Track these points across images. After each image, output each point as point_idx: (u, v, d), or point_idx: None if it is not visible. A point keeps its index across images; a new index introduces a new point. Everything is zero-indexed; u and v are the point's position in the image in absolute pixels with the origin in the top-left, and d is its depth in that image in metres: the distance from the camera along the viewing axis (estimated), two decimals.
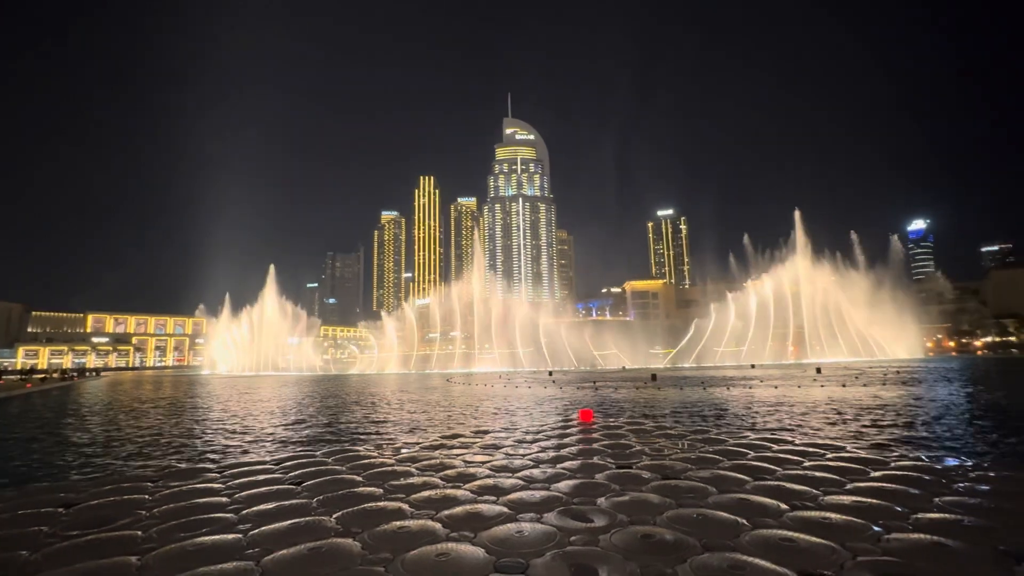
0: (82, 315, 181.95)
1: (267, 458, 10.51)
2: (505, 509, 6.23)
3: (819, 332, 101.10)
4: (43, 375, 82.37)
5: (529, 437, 12.34)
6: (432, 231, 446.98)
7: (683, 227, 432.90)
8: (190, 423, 18.64)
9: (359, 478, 8.10)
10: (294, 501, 6.82)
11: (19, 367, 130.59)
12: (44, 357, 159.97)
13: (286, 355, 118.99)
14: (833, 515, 5.64)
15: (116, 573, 4.64)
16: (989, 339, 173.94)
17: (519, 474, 8.16)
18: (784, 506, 6.02)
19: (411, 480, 7.88)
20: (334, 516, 6.07)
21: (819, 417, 15.89)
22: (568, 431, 13.15)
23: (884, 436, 12.13)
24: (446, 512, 6.14)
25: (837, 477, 7.37)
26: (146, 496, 7.30)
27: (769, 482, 7.19)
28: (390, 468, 8.79)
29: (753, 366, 73.03)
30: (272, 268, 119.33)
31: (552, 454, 9.86)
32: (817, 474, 7.58)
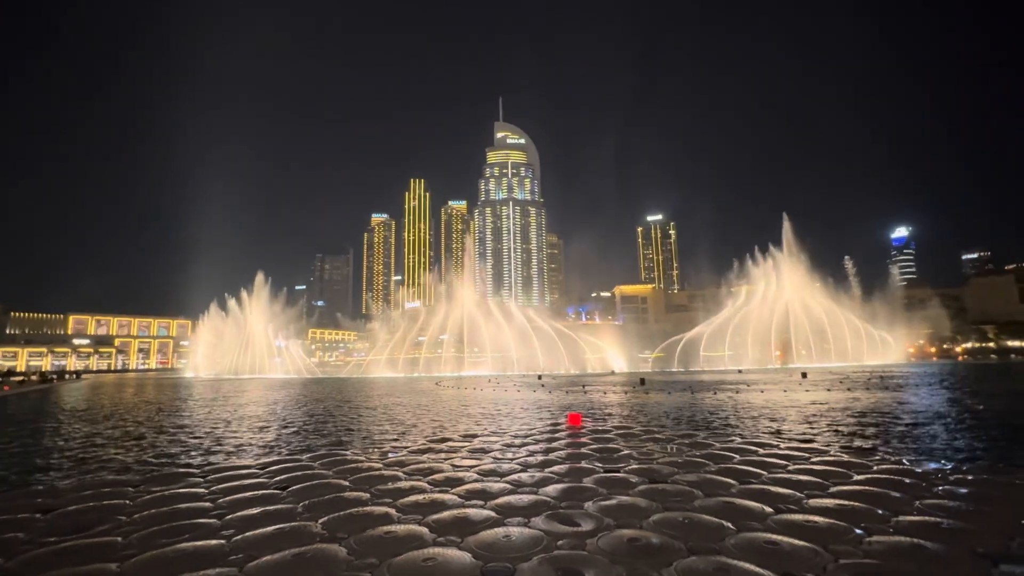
0: (62, 316, 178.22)
1: (252, 463, 10.37)
2: (493, 513, 6.22)
3: (805, 338, 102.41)
4: (21, 377, 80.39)
5: (517, 441, 12.33)
6: (422, 234, 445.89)
7: (672, 232, 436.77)
8: (173, 427, 18.33)
9: (346, 483, 8.03)
10: (279, 506, 6.74)
11: None
12: (23, 359, 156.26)
13: (274, 358, 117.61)
14: (816, 518, 5.71)
15: None
16: (969, 345, 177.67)
17: (507, 478, 8.14)
18: (769, 509, 6.09)
19: (398, 484, 7.83)
20: (320, 521, 6.01)
21: (804, 421, 16.09)
22: (557, 435, 13.16)
23: (867, 440, 12.32)
24: (433, 517, 6.11)
25: (821, 480, 7.47)
26: (127, 501, 7.17)
27: (754, 486, 7.26)
28: (377, 472, 8.73)
29: (740, 371, 73.73)
30: (260, 275, 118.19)
31: (540, 458, 9.86)
32: (801, 477, 7.67)
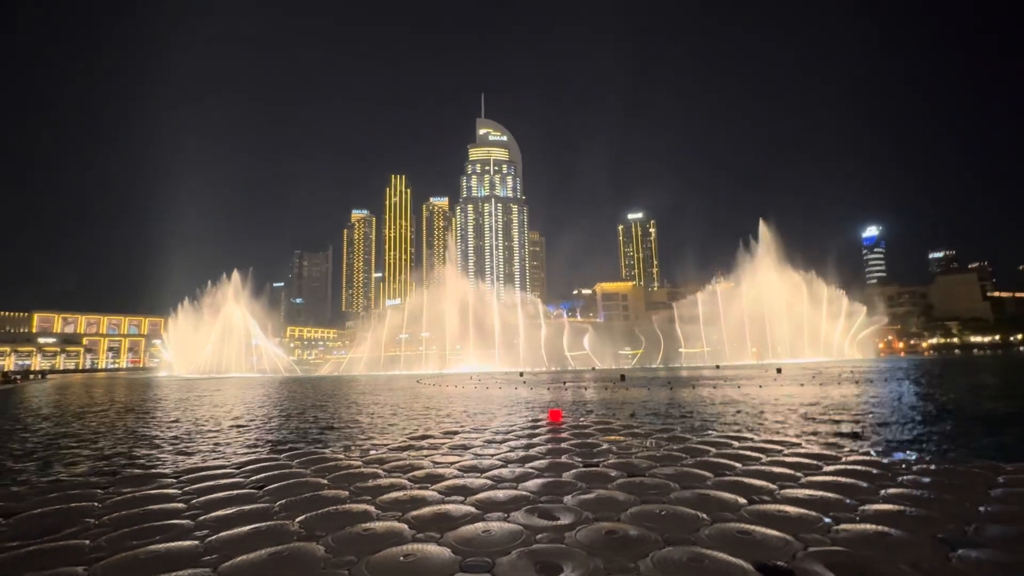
0: (27, 314, 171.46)
1: (227, 462, 10.17)
2: (473, 509, 6.24)
3: (780, 334, 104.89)
4: None
5: (498, 437, 12.37)
6: (403, 231, 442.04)
7: (652, 230, 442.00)
8: (144, 427, 17.85)
9: (324, 481, 7.94)
10: (255, 506, 6.63)
11: None
12: None
13: (251, 357, 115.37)
14: (788, 508, 5.88)
15: None
16: (935, 340, 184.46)
17: (487, 474, 8.17)
18: (743, 500, 6.24)
19: (378, 482, 7.78)
20: (297, 520, 5.94)
21: (778, 415, 16.51)
22: (537, 431, 13.24)
23: (837, 432, 12.70)
24: (413, 513, 6.09)
25: (793, 472, 7.68)
26: (95, 503, 6.96)
27: (729, 478, 7.43)
28: (357, 470, 8.66)
29: (718, 367, 75.20)
30: (236, 273, 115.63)
31: (521, 454, 9.92)
32: (775, 469, 7.89)
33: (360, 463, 9.35)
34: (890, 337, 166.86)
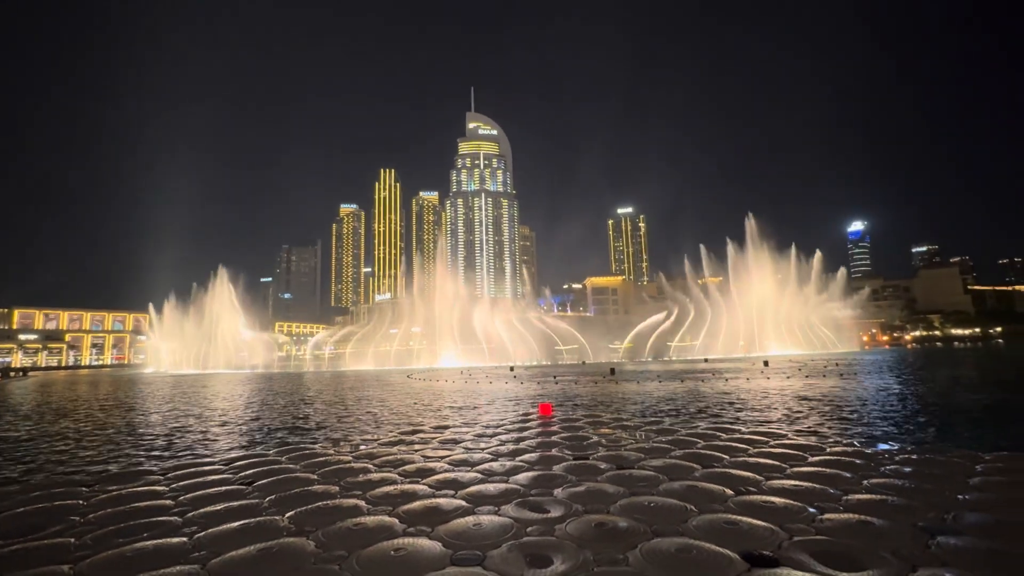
0: (6, 310, 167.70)
1: (215, 458, 10.09)
2: (463, 503, 6.26)
3: (767, 328, 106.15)
4: None
5: (489, 431, 12.40)
6: (393, 225, 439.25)
7: (642, 225, 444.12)
8: (129, 424, 17.62)
9: (314, 476, 7.92)
10: (244, 502, 6.60)
11: None
12: None
13: (239, 352, 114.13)
14: (774, 499, 5.99)
15: None
16: (918, 333, 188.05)
17: (478, 468, 8.20)
18: (730, 491, 6.34)
19: (369, 476, 7.77)
20: (287, 515, 5.92)
21: (765, 407, 16.74)
22: (528, 424, 13.29)
23: (822, 424, 12.92)
24: (404, 507, 6.10)
25: (779, 463, 7.81)
26: (80, 502, 6.88)
27: (717, 469, 7.54)
28: (347, 465, 8.64)
29: (706, 360, 75.95)
30: (221, 268, 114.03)
31: (511, 447, 9.96)
32: (761, 460, 8.01)
33: (350, 458, 9.33)
34: (874, 330, 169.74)
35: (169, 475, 8.43)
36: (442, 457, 9.19)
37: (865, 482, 6.68)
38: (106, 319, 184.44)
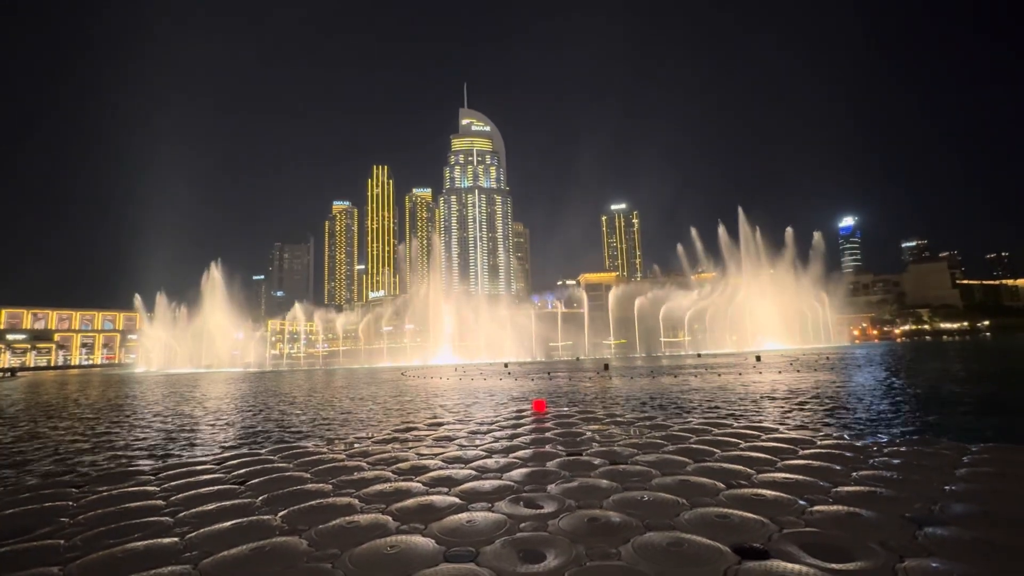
0: None
1: (207, 458, 10.03)
2: (457, 500, 6.27)
3: (759, 322, 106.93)
4: None
5: (483, 428, 12.42)
6: (386, 222, 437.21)
7: (635, 221, 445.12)
8: (120, 424, 17.47)
9: (307, 475, 7.89)
10: (237, 501, 6.56)
11: None
12: None
13: (231, 351, 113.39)
14: (765, 491, 6.04)
15: None
16: (907, 327, 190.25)
17: (472, 464, 8.21)
18: (721, 485, 6.39)
19: (362, 475, 7.76)
20: (279, 514, 5.90)
21: (757, 401, 16.89)
22: (522, 421, 13.32)
23: (813, 417, 13.06)
24: (397, 505, 6.10)
25: (770, 456, 7.88)
26: (70, 503, 6.81)
27: (709, 463, 7.60)
28: (340, 464, 8.62)
29: (699, 355, 76.45)
30: (213, 266, 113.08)
31: (505, 444, 9.98)
32: (752, 454, 8.09)
33: (344, 456, 9.31)
34: (865, 324, 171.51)
35: (160, 475, 8.37)
36: (436, 454, 9.19)
37: (854, 474, 6.76)
38: (96, 318, 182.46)
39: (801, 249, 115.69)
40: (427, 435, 11.62)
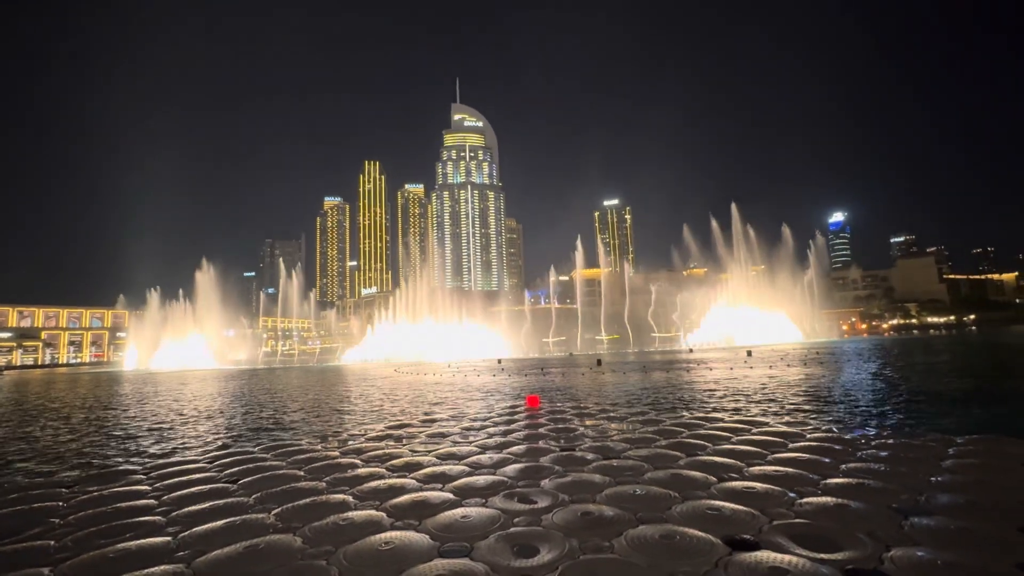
0: None
1: (200, 457, 9.98)
2: (451, 495, 6.30)
3: (750, 317, 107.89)
4: None
5: (477, 424, 12.45)
6: (378, 218, 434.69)
7: (628, 217, 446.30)
8: (109, 423, 17.30)
9: (300, 472, 7.89)
10: (229, 499, 6.55)
11: None
12: None
13: (222, 348, 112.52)
14: (755, 484, 6.13)
15: None
16: (895, 321, 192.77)
17: (466, 461, 8.25)
18: (712, 478, 6.47)
19: (356, 472, 7.76)
20: (273, 512, 5.90)
21: (747, 396, 17.05)
22: (515, 417, 13.37)
23: (803, 411, 13.22)
24: (391, 502, 6.12)
25: (760, 450, 7.99)
26: (60, 503, 6.76)
27: (700, 457, 7.68)
28: (334, 461, 8.62)
29: (691, 350, 76.99)
30: (205, 262, 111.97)
31: (499, 440, 10.02)
32: (744, 448, 8.18)
33: (337, 453, 9.30)
34: (854, 319, 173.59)
35: (152, 474, 8.32)
36: (429, 451, 9.21)
37: (843, 466, 6.87)
38: (84, 316, 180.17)
39: (796, 245, 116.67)
40: (420, 431, 11.63)
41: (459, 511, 5.66)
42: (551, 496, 6.05)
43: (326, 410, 18.67)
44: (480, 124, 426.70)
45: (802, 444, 8.36)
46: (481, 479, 6.99)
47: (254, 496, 6.63)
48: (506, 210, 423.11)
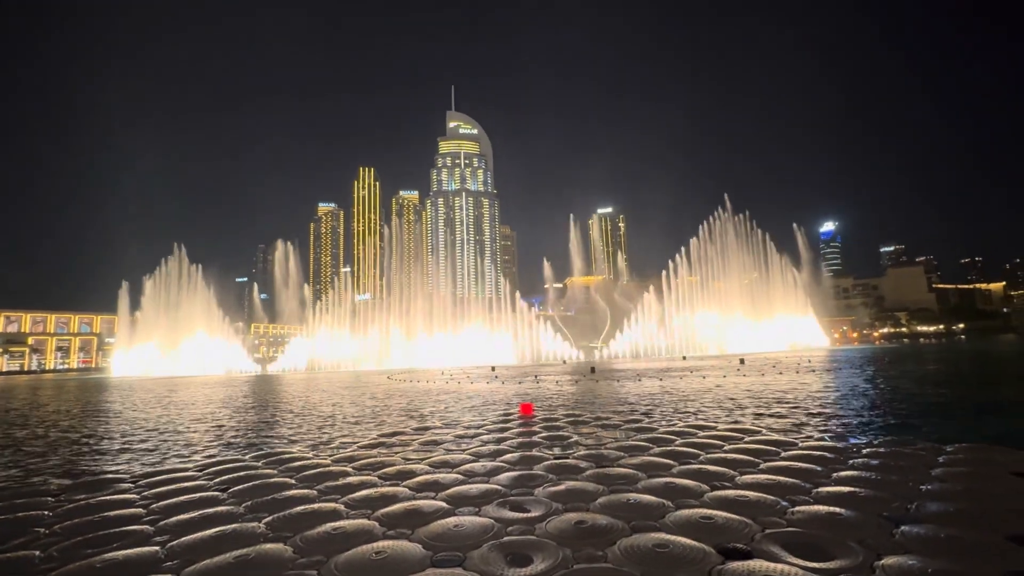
0: None
1: (189, 465, 9.86)
2: (444, 504, 6.26)
3: (743, 324, 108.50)
4: None
5: (470, 432, 12.40)
6: (372, 224, 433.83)
7: (622, 225, 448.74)
8: (97, 430, 17.05)
9: (292, 481, 7.81)
10: (219, 508, 6.47)
11: None
12: None
13: (215, 355, 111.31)
14: (748, 493, 6.14)
15: None
16: (886, 330, 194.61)
17: (459, 469, 8.20)
18: (705, 487, 6.48)
19: (348, 480, 7.70)
20: (264, 521, 5.83)
21: (740, 404, 17.11)
22: (509, 425, 13.32)
23: (794, 420, 13.28)
24: (384, 510, 6.07)
25: (752, 458, 8.01)
26: (46, 512, 6.64)
27: (693, 465, 7.70)
28: (325, 469, 8.54)
29: (684, 357, 77.20)
30: (194, 265, 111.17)
31: (492, 448, 9.98)
32: (736, 456, 8.21)
33: (329, 462, 9.22)
34: (845, 327, 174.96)
35: (140, 483, 8.20)
36: (422, 459, 9.16)
37: (834, 475, 6.90)
38: (72, 321, 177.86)
39: (791, 253, 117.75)
40: (413, 439, 11.56)
41: (452, 520, 5.63)
42: (544, 505, 6.03)
43: (317, 417, 18.51)
44: (475, 131, 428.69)
45: (794, 452, 8.40)
46: (474, 487, 6.95)
47: (244, 505, 6.56)
48: (500, 217, 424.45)
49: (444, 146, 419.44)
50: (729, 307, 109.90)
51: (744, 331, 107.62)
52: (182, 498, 7.02)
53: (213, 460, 10.22)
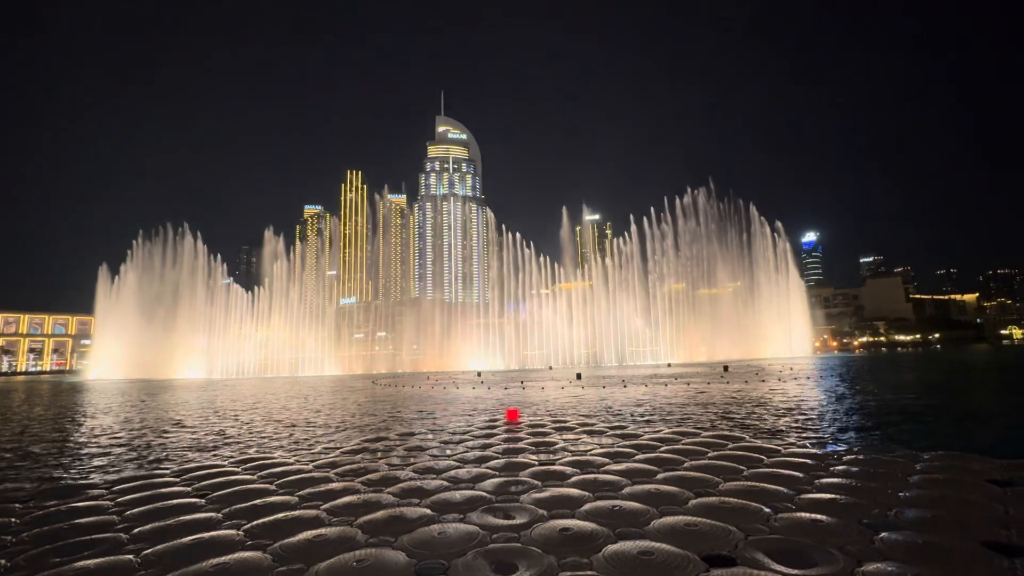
0: None
1: (166, 471, 9.61)
2: (428, 511, 6.19)
3: (727, 332, 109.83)
4: None
5: (456, 438, 12.31)
6: (359, 228, 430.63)
7: (608, 232, 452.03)
8: (69, 434, 16.56)
9: (272, 487, 7.66)
10: (197, 515, 6.31)
11: None
12: None
13: (196, 357, 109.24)
14: (731, 500, 6.19)
15: None
16: (865, 339, 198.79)
17: (444, 475, 8.13)
18: (689, 494, 6.51)
19: (330, 486, 7.58)
20: (243, 528, 5.70)
21: (724, 411, 17.28)
22: (494, 431, 13.26)
23: (778, 427, 13.44)
24: (366, 517, 5.98)
25: (736, 465, 8.07)
26: (12, 519, 6.41)
27: (678, 472, 7.73)
28: (307, 475, 8.40)
29: (669, 364, 77.86)
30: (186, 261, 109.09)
31: (478, 454, 9.92)
32: (720, 463, 8.26)
33: (311, 467, 9.08)
34: (825, 336, 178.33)
35: (114, 488, 7.97)
36: (407, 465, 9.06)
37: (816, 482, 6.99)
38: (46, 322, 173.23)
39: (776, 261, 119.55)
40: (398, 445, 11.44)
41: (436, 527, 5.56)
42: (529, 512, 6.00)
43: (300, 421, 18.23)
44: (464, 137, 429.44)
45: (778, 459, 8.49)
46: (459, 494, 6.89)
47: (223, 511, 6.41)
48: (488, 223, 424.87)
49: (433, 151, 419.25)
50: (716, 315, 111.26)
51: (728, 338, 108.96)
52: (157, 504, 6.84)
53: (190, 466, 9.99)
